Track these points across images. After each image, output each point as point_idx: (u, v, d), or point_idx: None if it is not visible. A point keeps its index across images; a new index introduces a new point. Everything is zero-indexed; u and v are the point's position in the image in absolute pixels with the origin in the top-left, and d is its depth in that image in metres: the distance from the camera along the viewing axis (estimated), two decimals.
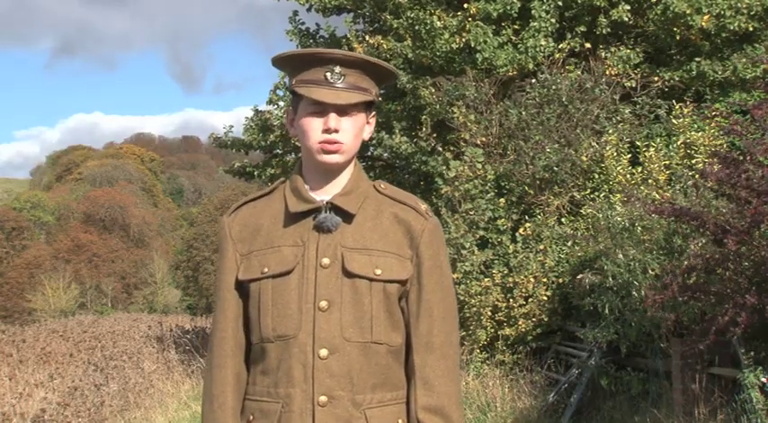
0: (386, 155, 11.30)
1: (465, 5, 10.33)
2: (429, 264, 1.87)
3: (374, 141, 10.68)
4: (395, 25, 10.45)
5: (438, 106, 9.99)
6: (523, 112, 9.42)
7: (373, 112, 1.96)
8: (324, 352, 1.79)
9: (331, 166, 1.86)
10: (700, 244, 6.23)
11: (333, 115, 1.82)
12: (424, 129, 9.85)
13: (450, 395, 1.83)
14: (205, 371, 1.96)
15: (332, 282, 1.81)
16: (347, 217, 1.86)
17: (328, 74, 1.81)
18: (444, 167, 9.25)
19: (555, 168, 8.97)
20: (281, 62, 1.90)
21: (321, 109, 1.83)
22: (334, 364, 1.79)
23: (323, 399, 1.78)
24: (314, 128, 1.84)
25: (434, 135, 10.12)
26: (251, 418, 1.85)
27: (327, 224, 1.84)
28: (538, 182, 9.17)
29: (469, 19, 10.13)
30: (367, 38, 11.14)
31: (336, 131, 1.83)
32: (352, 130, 1.85)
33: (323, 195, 1.87)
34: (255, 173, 12.91)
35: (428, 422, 1.81)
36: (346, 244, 1.84)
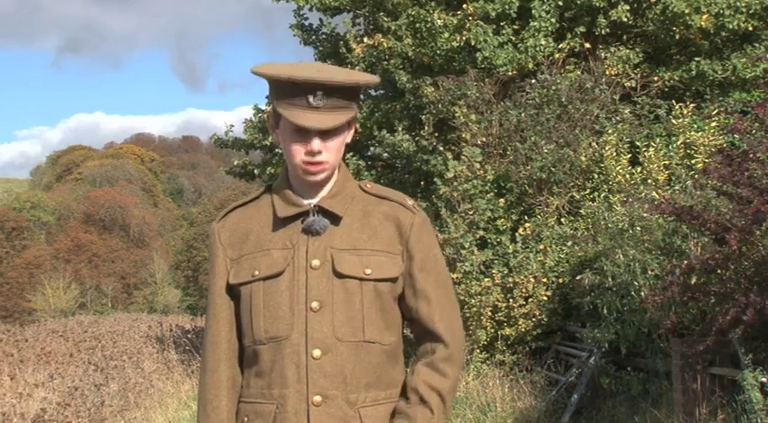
0: (386, 154, 11.29)
1: (464, 5, 10.33)
2: (420, 256, 1.90)
3: (375, 140, 10.67)
4: (393, 27, 10.44)
5: (440, 105, 9.98)
6: (523, 114, 9.41)
7: (354, 115, 1.96)
8: (317, 352, 1.80)
9: (315, 183, 1.88)
10: (700, 244, 6.23)
11: (316, 140, 1.83)
12: (426, 128, 9.83)
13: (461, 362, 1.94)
14: (199, 375, 1.97)
15: (323, 283, 1.83)
16: (335, 219, 1.88)
17: (311, 97, 1.80)
18: (443, 167, 9.24)
19: (552, 169, 8.96)
20: (265, 77, 1.87)
21: (304, 130, 1.83)
22: (327, 363, 1.80)
23: (317, 398, 1.79)
24: (297, 149, 1.85)
25: (436, 134, 10.11)
26: (245, 420, 1.87)
27: (316, 227, 1.86)
28: (536, 182, 9.17)
29: (469, 18, 10.13)
30: (365, 39, 11.13)
31: (320, 152, 1.84)
32: (336, 147, 1.87)
33: (310, 198, 1.90)
34: (256, 172, 12.92)
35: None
36: (335, 245, 1.86)
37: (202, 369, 1.94)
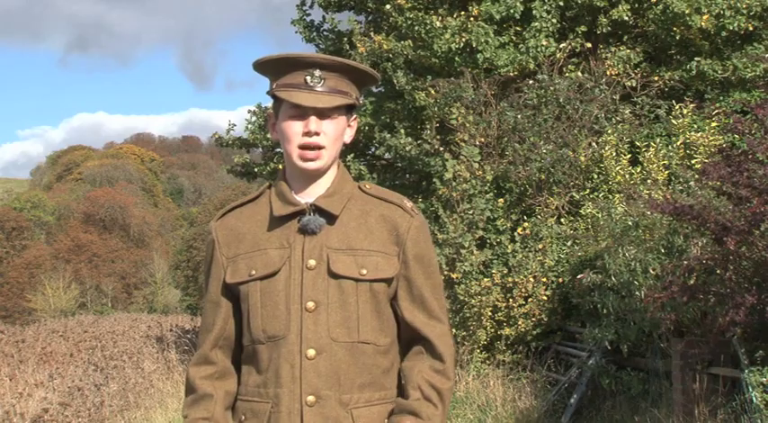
0: (387, 155, 11.27)
1: (468, 7, 10.32)
2: (416, 260, 1.90)
3: (376, 141, 10.67)
4: (399, 22, 10.40)
5: (437, 108, 9.96)
6: (519, 115, 9.40)
7: (354, 116, 1.97)
8: (311, 352, 1.81)
9: (311, 173, 1.88)
10: (700, 244, 6.22)
11: (313, 118, 1.84)
12: (428, 131, 9.81)
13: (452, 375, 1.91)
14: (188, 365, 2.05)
15: (318, 283, 1.83)
16: (331, 218, 1.88)
17: (308, 77, 1.82)
18: (442, 168, 9.22)
19: (551, 169, 8.96)
20: (261, 66, 1.90)
21: (301, 112, 1.85)
22: (321, 364, 1.81)
23: (311, 399, 1.80)
24: (294, 131, 1.85)
25: (437, 137, 10.10)
26: (242, 418, 1.88)
27: (311, 226, 1.86)
28: (536, 182, 9.17)
29: (471, 19, 10.12)
30: (372, 34, 11.12)
31: (317, 134, 1.84)
32: (333, 134, 1.87)
33: (306, 198, 1.89)
34: (257, 170, 12.91)
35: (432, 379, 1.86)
36: (331, 245, 1.86)
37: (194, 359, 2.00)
